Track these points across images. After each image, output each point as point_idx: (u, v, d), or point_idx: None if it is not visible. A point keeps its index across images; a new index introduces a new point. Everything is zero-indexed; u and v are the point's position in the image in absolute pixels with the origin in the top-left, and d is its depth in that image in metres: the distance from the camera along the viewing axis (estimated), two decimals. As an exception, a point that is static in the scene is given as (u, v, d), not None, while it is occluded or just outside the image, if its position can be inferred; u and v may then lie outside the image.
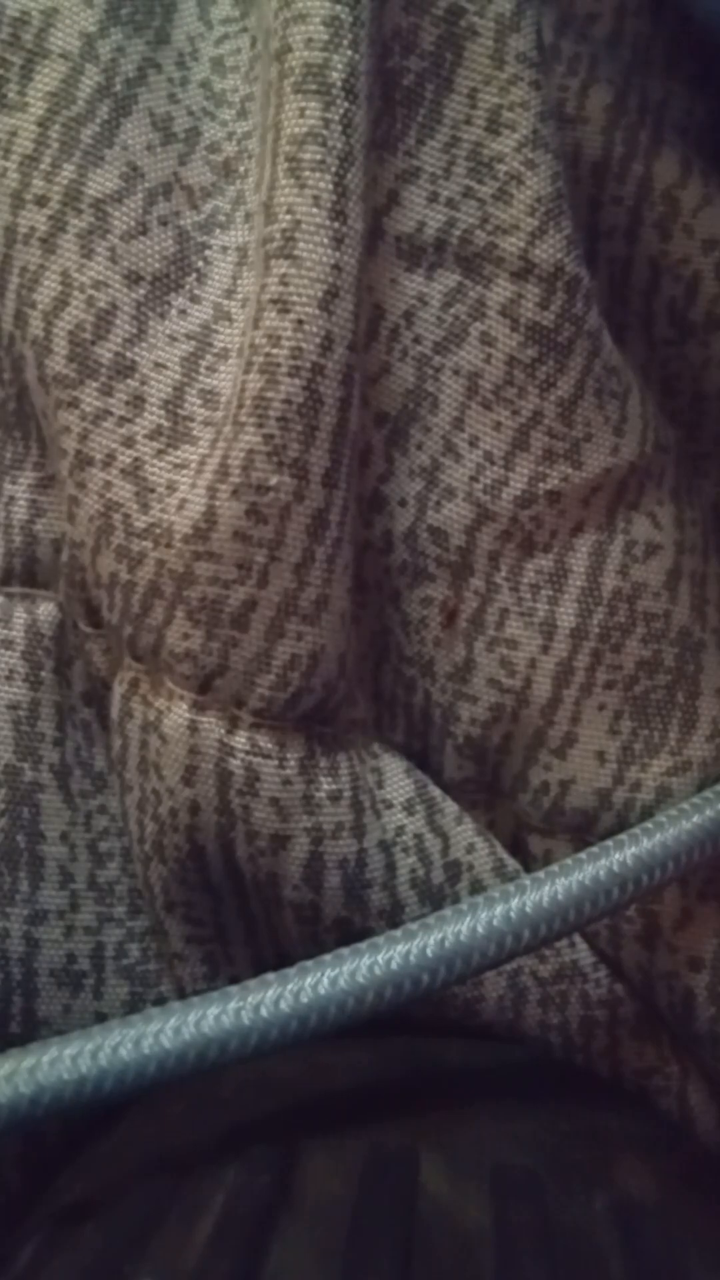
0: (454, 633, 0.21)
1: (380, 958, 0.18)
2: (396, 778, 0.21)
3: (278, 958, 0.21)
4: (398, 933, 0.18)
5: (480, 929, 0.18)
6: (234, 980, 0.21)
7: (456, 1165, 0.17)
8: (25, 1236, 0.18)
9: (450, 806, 0.21)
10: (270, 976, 0.18)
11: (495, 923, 0.18)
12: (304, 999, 0.17)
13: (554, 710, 0.21)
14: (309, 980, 0.18)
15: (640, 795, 0.21)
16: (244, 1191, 0.16)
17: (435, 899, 0.21)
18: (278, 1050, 0.17)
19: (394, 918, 0.21)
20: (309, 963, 0.18)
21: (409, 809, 0.21)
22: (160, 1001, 0.22)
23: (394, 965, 0.18)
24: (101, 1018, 0.21)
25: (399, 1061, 0.20)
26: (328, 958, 0.18)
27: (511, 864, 0.22)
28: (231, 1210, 0.16)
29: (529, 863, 0.22)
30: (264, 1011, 0.17)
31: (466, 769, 0.22)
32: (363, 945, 0.18)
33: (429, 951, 0.18)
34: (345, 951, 0.18)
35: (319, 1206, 0.16)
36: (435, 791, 0.22)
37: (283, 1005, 0.17)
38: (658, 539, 0.22)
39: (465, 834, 0.21)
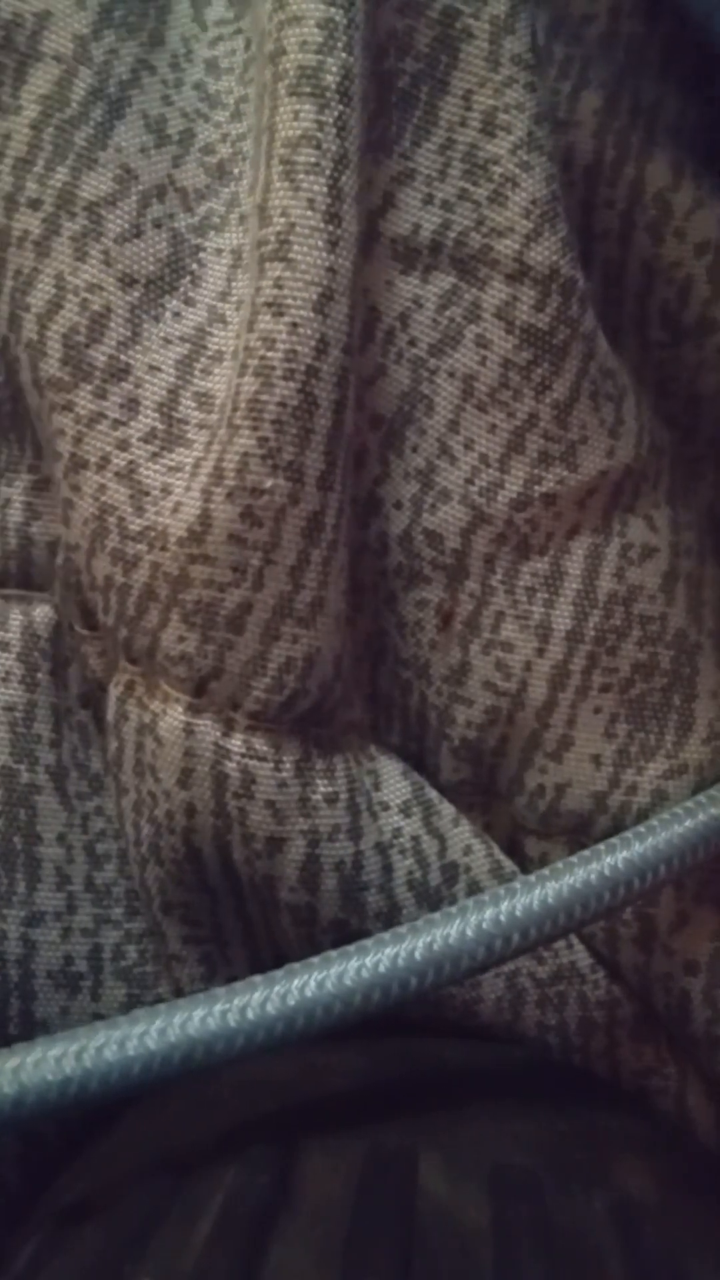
0: (449, 635, 0.21)
1: (368, 961, 0.18)
2: (393, 780, 0.21)
3: (275, 959, 0.21)
4: (386, 936, 0.18)
5: (470, 932, 0.18)
6: (232, 981, 0.21)
7: (455, 1165, 0.17)
8: (25, 1237, 0.18)
9: (447, 809, 0.22)
10: (257, 979, 0.18)
11: (485, 926, 0.18)
12: (291, 1001, 0.17)
13: (550, 713, 0.21)
14: (296, 983, 0.18)
15: (636, 798, 0.21)
16: (243, 1192, 0.16)
17: (432, 901, 0.21)
18: (264, 1053, 0.17)
19: (391, 920, 0.21)
20: (296, 965, 0.18)
21: (406, 811, 0.21)
22: (158, 1003, 0.22)
23: (382, 968, 0.18)
24: (99, 1019, 0.21)
25: (398, 1062, 0.20)
26: (316, 960, 0.18)
27: (509, 866, 0.22)
28: (230, 1211, 0.16)
29: (525, 865, 0.22)
30: (250, 1014, 0.17)
31: (463, 771, 0.22)
32: (351, 948, 0.18)
33: (417, 955, 0.18)
34: (334, 954, 0.18)
35: (318, 1207, 0.16)
36: (432, 794, 0.22)
37: (269, 1008, 0.17)
38: (653, 542, 0.22)
39: (462, 836, 0.21)
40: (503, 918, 0.19)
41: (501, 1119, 0.19)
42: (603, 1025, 0.22)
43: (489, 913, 0.19)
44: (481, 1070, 0.21)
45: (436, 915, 0.19)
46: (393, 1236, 0.16)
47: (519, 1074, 0.21)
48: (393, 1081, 0.19)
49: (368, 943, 0.18)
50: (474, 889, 0.21)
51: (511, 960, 0.19)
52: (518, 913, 0.19)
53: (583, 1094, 0.21)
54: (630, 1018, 0.22)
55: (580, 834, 0.22)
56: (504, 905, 0.19)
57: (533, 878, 0.19)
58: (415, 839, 0.21)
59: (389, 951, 0.18)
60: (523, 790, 0.22)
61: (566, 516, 0.21)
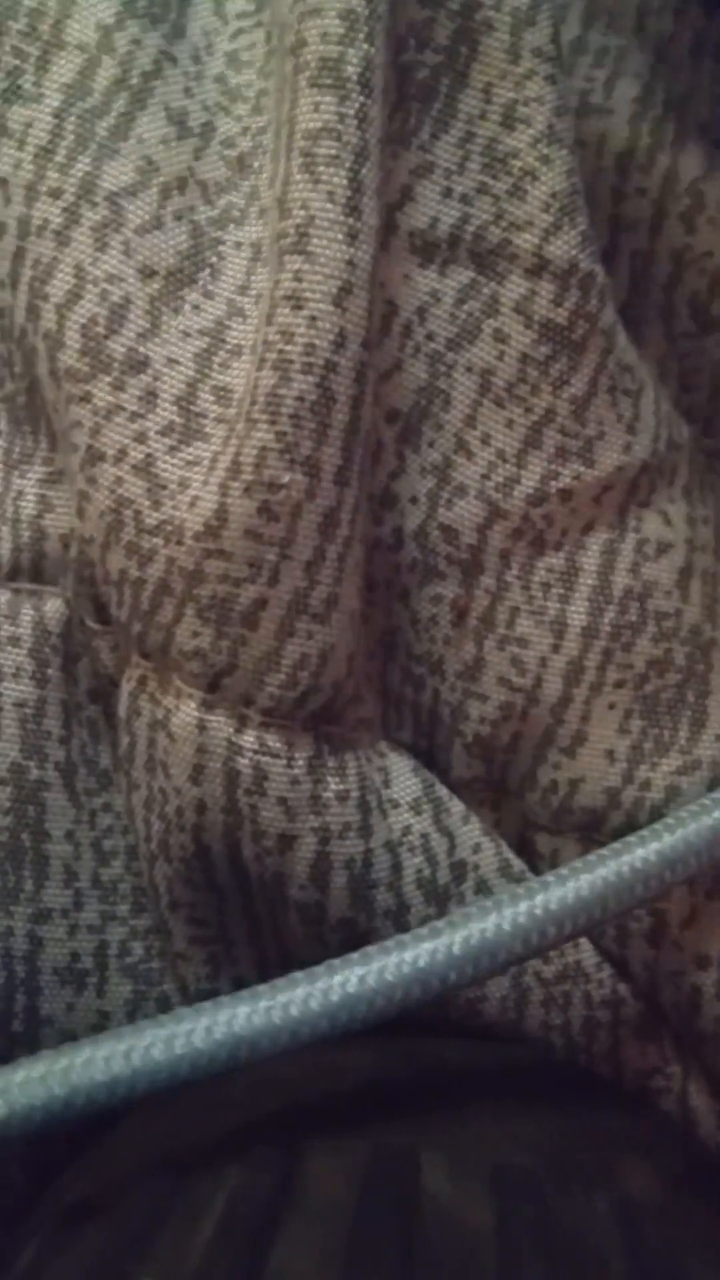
0: (464, 631, 0.21)
1: (408, 955, 0.18)
2: (404, 777, 0.21)
3: (281, 957, 0.21)
4: (424, 930, 0.18)
5: (506, 925, 0.18)
6: (237, 981, 0.21)
7: (458, 1165, 0.17)
8: (27, 1236, 0.18)
9: (457, 806, 0.21)
10: (299, 975, 0.18)
11: (520, 919, 0.18)
12: (334, 997, 0.17)
13: (564, 709, 0.21)
14: (338, 978, 0.18)
15: (650, 794, 0.21)
16: (246, 1191, 0.16)
17: (440, 899, 0.21)
18: (308, 1049, 0.17)
19: (399, 918, 0.20)
20: (336, 961, 0.18)
21: (415, 808, 0.21)
22: (163, 1000, 0.22)
23: (421, 963, 0.18)
24: (104, 1016, 0.21)
25: (401, 1061, 0.20)
26: (355, 956, 0.18)
27: (517, 864, 0.21)
28: (233, 1210, 0.16)
29: (536, 861, 0.22)
30: (294, 1010, 0.17)
31: (475, 768, 0.22)
32: (390, 943, 0.18)
33: (455, 949, 0.18)
34: (373, 949, 0.18)
35: (321, 1207, 0.16)
36: (442, 791, 0.21)
37: (312, 1004, 0.17)
38: (669, 537, 0.21)
39: (471, 833, 0.21)
40: (538, 910, 0.19)
41: (503, 1119, 0.19)
42: (607, 1025, 0.21)
43: (524, 905, 0.19)
44: (483, 1070, 0.20)
45: (472, 909, 0.19)
46: (396, 1237, 0.16)
47: (520, 1073, 0.21)
48: (395, 1081, 0.19)
49: (405, 937, 0.18)
50: (482, 887, 0.21)
51: (548, 953, 0.19)
52: (552, 905, 0.19)
53: (584, 1093, 0.21)
54: (635, 1017, 0.22)
55: (592, 830, 0.21)
56: (538, 898, 0.19)
57: (565, 870, 0.19)
58: (425, 836, 0.21)
59: (428, 946, 0.18)
60: (535, 786, 0.22)
61: (582, 512, 0.21)
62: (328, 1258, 0.15)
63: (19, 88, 0.20)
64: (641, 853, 0.19)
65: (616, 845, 0.20)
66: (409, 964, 0.18)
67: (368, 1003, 0.18)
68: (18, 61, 0.20)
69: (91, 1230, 0.17)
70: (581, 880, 0.19)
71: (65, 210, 0.20)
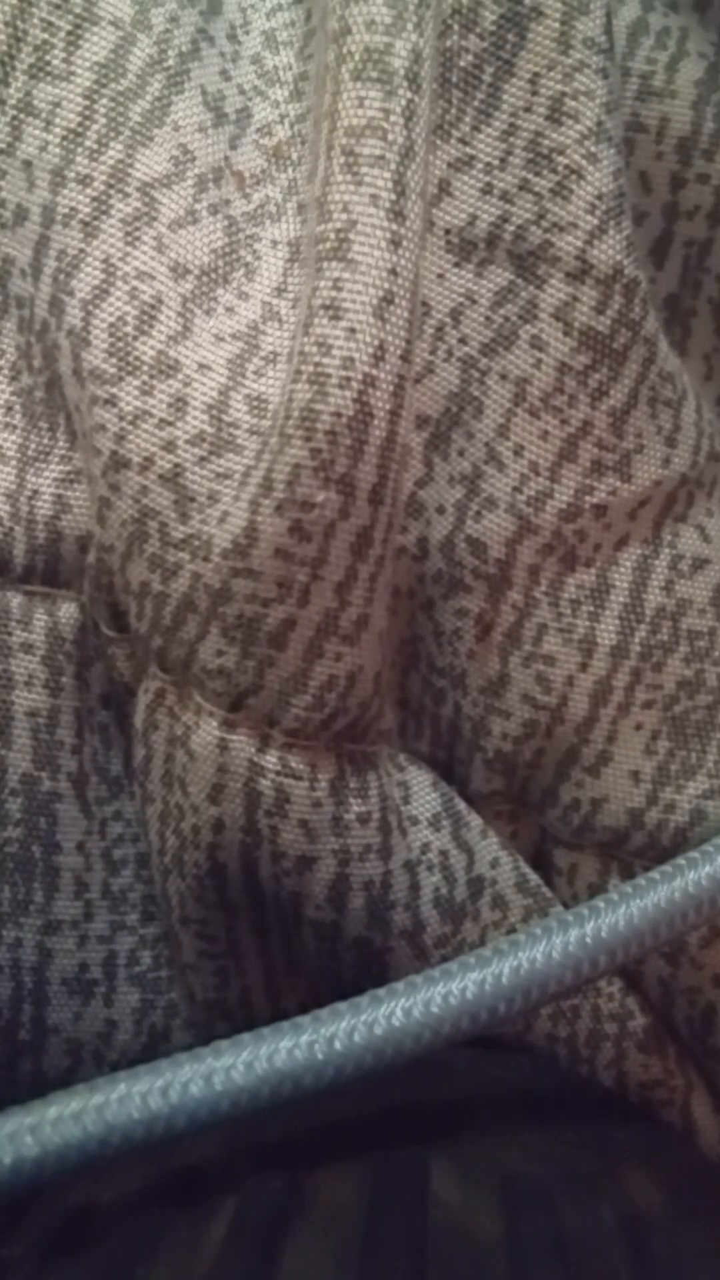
0: (489, 646, 0.21)
1: (454, 986, 0.17)
2: (423, 791, 0.21)
3: (290, 968, 0.21)
4: (471, 959, 0.18)
5: (555, 954, 0.18)
6: (244, 991, 0.21)
7: (467, 1174, 0.17)
8: (34, 1237, 0.17)
9: (475, 820, 0.21)
10: (341, 1006, 0.17)
11: (571, 948, 0.18)
12: (378, 1031, 0.17)
13: (590, 729, 0.21)
14: (382, 1010, 0.17)
15: (674, 817, 0.21)
16: (257, 1195, 0.16)
17: (456, 916, 0.20)
18: (353, 1085, 0.17)
19: (415, 937, 0.20)
20: (380, 991, 0.17)
21: (435, 824, 0.20)
22: (170, 1008, 0.21)
23: (469, 994, 0.17)
24: (112, 1024, 0.21)
25: (408, 1070, 0.19)
26: (400, 985, 0.17)
27: (534, 879, 0.21)
28: (244, 1214, 0.16)
29: (552, 875, 0.22)
30: (338, 1045, 0.17)
31: (495, 782, 0.21)
32: (435, 972, 0.18)
33: (504, 979, 0.17)
34: (418, 979, 0.17)
35: (332, 1212, 0.16)
36: (461, 805, 0.21)
37: (356, 1038, 0.17)
38: (705, 553, 0.21)
39: (490, 848, 0.21)
40: (588, 939, 0.18)
41: (511, 1128, 0.19)
42: (612, 1037, 0.21)
43: (574, 934, 0.18)
44: (490, 1079, 0.20)
45: (520, 936, 0.18)
46: (407, 1244, 0.15)
47: (527, 1082, 0.21)
48: (402, 1089, 0.19)
49: (452, 966, 0.18)
50: (499, 903, 0.21)
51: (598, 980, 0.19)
52: (603, 933, 0.18)
53: (590, 1103, 0.21)
54: (640, 1030, 0.21)
55: (613, 848, 0.21)
56: (589, 926, 0.18)
57: (615, 895, 0.19)
58: (444, 854, 0.20)
59: (474, 976, 0.17)
60: (556, 803, 0.21)
61: (616, 528, 0.20)
62: (341, 1263, 0.15)
63: (47, 64, 0.19)
64: (694, 876, 0.19)
65: (667, 869, 0.19)
66: (456, 995, 0.17)
67: (414, 1036, 0.17)
68: (46, 36, 0.19)
69: (100, 1232, 0.16)
70: (633, 906, 0.18)
71: (94, 200, 0.19)
